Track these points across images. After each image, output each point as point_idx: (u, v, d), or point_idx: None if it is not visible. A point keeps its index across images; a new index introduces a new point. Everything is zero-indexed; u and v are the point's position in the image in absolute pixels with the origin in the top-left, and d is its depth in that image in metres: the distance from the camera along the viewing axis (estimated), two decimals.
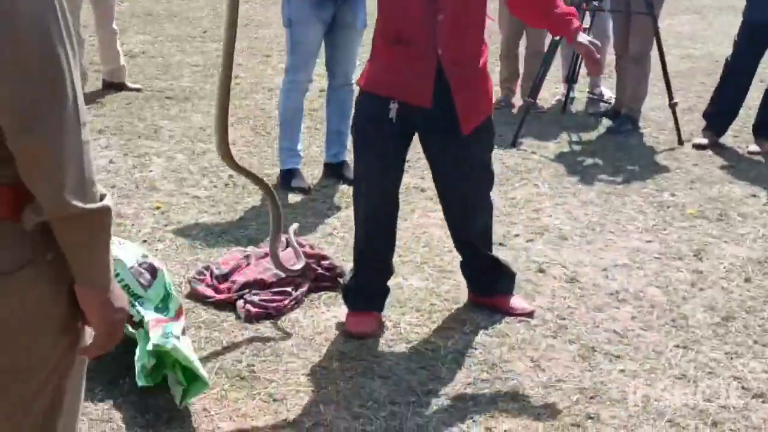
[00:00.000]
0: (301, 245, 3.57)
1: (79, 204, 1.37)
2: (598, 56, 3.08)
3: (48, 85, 1.33)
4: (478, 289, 3.45)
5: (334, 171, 4.76)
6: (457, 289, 3.56)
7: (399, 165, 3.19)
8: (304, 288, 3.43)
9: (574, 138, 5.63)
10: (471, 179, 3.21)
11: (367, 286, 3.29)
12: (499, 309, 3.38)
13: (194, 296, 3.38)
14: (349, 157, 4.55)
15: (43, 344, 1.47)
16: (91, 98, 5.90)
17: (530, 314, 3.36)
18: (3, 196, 1.39)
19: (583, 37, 3.01)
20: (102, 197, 1.42)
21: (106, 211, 1.41)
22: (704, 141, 5.43)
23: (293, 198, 4.47)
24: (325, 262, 3.57)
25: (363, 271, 3.30)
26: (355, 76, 4.48)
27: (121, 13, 7.84)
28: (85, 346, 1.56)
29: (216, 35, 8.12)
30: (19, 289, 1.41)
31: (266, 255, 3.39)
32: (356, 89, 3.44)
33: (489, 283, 3.42)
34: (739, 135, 5.61)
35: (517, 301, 3.43)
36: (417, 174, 4.85)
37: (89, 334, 1.55)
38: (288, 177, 4.61)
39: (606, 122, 5.90)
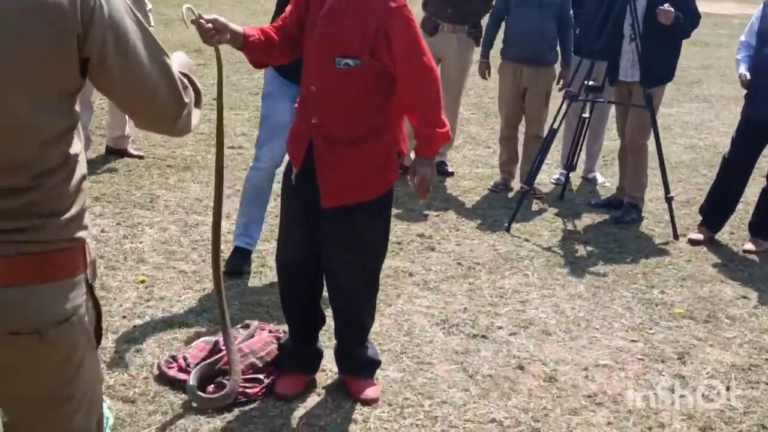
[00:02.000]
0: (272, 330, 3.60)
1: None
2: (429, 187, 3.19)
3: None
4: (338, 363, 3.47)
5: None
6: (433, 383, 3.52)
7: (306, 229, 3.21)
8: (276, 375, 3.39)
9: (569, 227, 5.62)
10: (328, 255, 3.21)
11: (293, 348, 3.41)
12: (348, 390, 3.39)
13: (164, 380, 3.35)
14: None
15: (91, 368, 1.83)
16: (92, 164, 5.96)
17: (373, 401, 3.32)
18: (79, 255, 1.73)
19: (429, 165, 3.14)
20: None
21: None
22: (699, 237, 5.40)
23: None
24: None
25: (290, 333, 3.44)
26: None
27: None
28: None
29: (226, 103, 8.21)
30: (73, 330, 1.73)
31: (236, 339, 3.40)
32: None
33: (347, 362, 3.43)
34: (736, 232, 5.58)
35: (368, 390, 3.37)
36: (407, 257, 4.84)
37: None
38: (234, 256, 4.47)
39: (604, 212, 5.89)
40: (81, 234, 1.72)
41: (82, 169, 1.76)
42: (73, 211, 1.70)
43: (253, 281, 4.39)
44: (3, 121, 1.61)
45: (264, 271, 4.51)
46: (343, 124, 3.08)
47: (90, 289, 1.79)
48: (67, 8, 1.60)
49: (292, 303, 3.39)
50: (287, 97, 4.25)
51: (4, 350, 1.68)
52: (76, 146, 1.74)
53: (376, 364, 3.46)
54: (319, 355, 3.48)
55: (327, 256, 3.23)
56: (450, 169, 6.52)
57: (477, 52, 6.58)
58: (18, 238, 1.64)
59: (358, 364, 3.41)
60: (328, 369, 3.54)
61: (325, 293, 3.43)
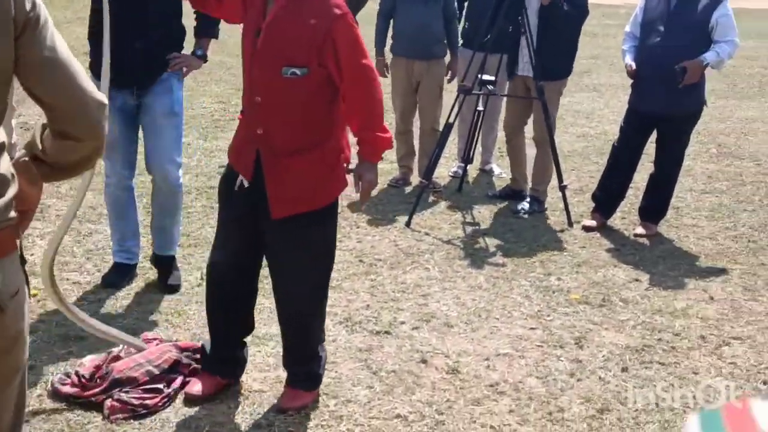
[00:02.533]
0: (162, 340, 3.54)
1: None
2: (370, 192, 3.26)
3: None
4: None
5: (161, 263, 4.37)
6: (338, 383, 3.52)
7: (245, 234, 3.19)
8: (177, 384, 3.33)
9: (468, 219, 5.70)
10: (278, 265, 3.22)
11: (214, 354, 3.38)
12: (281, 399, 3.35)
13: (58, 397, 3.24)
14: (180, 252, 4.54)
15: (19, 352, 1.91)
16: None
17: (291, 409, 3.27)
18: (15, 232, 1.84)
19: (375, 171, 3.21)
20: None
21: None
22: (593, 223, 5.56)
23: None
24: (199, 355, 3.48)
25: (212, 339, 3.40)
26: (182, 170, 4.29)
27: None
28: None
29: None
30: (21, 302, 1.86)
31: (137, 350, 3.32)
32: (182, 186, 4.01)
33: (289, 372, 3.39)
34: (627, 217, 5.77)
35: (296, 399, 3.31)
36: None
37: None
38: (112, 271, 4.35)
39: (501, 203, 6.00)
40: (14, 213, 1.83)
41: (6, 155, 1.87)
42: (11, 192, 1.81)
43: (152, 290, 4.30)
44: None
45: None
46: (289, 133, 3.06)
47: (23, 263, 1.90)
48: None
49: (219, 307, 3.34)
50: (112, 110, 4.10)
51: None
52: (1, 133, 1.84)
53: (317, 377, 3.38)
54: (241, 362, 3.44)
55: (276, 266, 3.22)
56: (350, 167, 6.51)
57: None
58: None
59: (299, 377, 3.34)
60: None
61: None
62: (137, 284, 4.33)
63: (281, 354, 3.67)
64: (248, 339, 3.80)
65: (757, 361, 3.86)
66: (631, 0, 19.90)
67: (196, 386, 3.31)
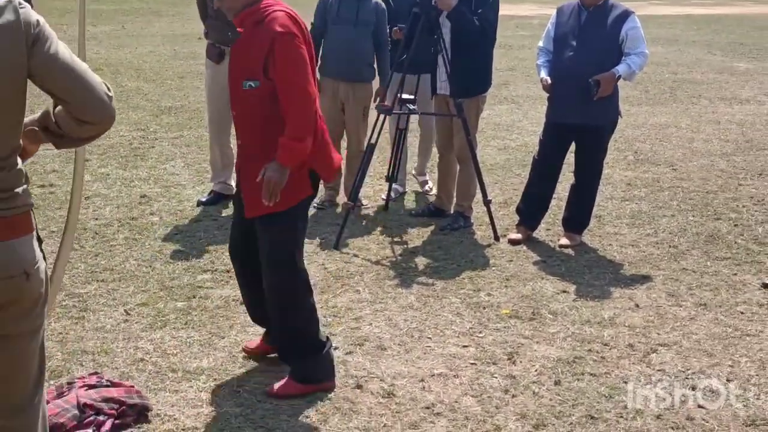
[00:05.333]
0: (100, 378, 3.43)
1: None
2: (275, 192, 3.38)
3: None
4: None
5: None
6: (273, 414, 3.48)
7: (239, 231, 3.75)
8: (107, 427, 3.24)
9: (396, 238, 5.71)
10: (262, 265, 3.60)
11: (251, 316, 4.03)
12: None
13: None
14: (104, 288, 4.40)
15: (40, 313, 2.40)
16: None
17: (275, 396, 3.61)
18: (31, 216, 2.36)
19: (278, 171, 3.34)
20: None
21: None
22: (518, 236, 5.63)
23: None
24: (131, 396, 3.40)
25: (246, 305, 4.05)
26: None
27: None
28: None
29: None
30: (41, 272, 2.35)
31: (62, 394, 3.23)
32: None
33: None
34: (551, 228, 5.86)
35: (284, 387, 3.65)
36: (237, 285, 4.75)
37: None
38: None
39: (428, 221, 6.02)
40: (30, 200, 2.32)
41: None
42: (24, 185, 2.30)
43: (76, 328, 4.19)
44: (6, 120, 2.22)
45: (86, 315, 4.31)
46: (253, 140, 3.49)
47: (40, 242, 2.38)
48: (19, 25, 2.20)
49: (242, 284, 3.93)
50: None
51: (2, 291, 2.25)
52: (17, 138, 2.29)
53: (301, 369, 3.65)
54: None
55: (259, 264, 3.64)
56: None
57: None
58: (2, 206, 2.25)
59: (281, 351, 3.77)
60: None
61: None
62: (61, 323, 4.21)
63: (213, 389, 3.64)
64: (179, 374, 3.75)
65: (684, 367, 3.96)
66: (543, 10, 20.33)
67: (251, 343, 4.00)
